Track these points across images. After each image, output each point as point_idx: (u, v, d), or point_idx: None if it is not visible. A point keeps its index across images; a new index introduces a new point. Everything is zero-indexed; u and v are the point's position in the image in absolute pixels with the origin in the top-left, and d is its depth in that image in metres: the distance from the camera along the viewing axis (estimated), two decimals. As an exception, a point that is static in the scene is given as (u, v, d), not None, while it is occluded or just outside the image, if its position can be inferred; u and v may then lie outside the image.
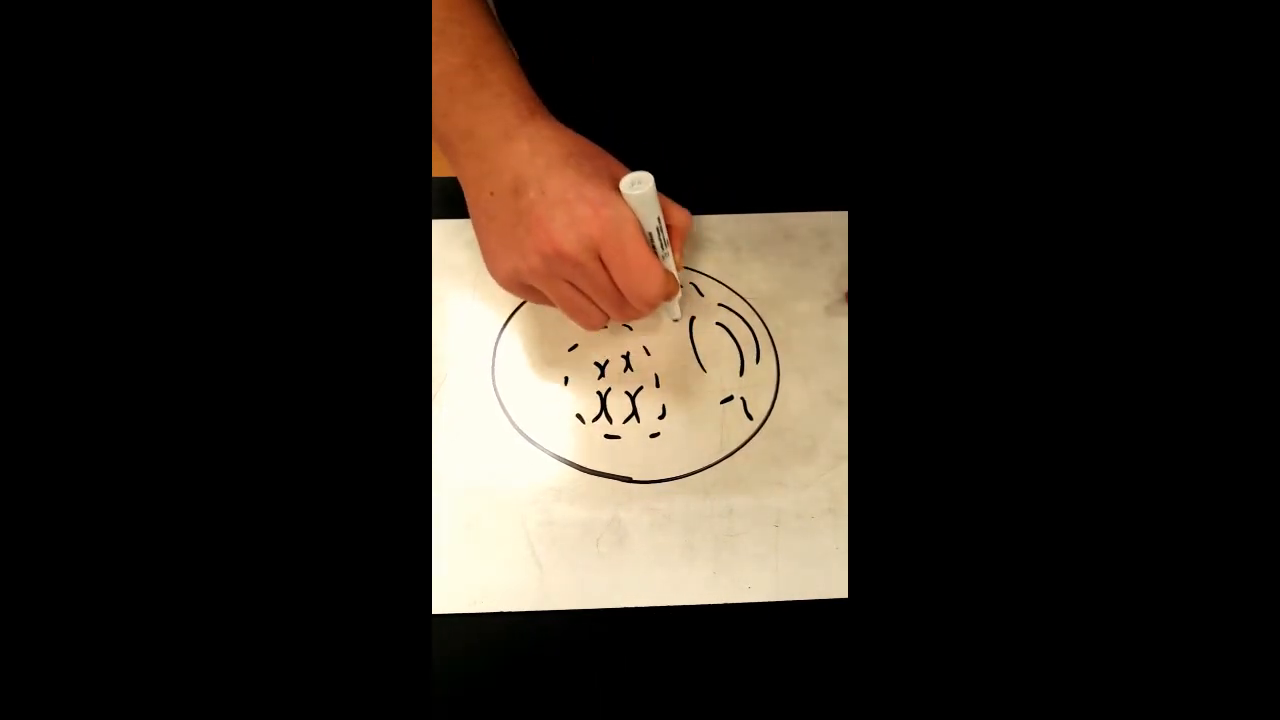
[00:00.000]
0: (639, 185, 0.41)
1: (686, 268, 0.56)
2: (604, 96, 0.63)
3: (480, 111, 0.42)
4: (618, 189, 0.41)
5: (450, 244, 0.57)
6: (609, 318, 0.45)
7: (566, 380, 0.51)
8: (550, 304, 0.45)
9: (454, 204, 0.60)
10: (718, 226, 0.59)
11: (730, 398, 0.51)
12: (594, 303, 0.43)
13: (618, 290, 0.42)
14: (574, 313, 0.44)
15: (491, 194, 0.42)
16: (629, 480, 0.47)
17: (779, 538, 0.44)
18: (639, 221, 0.41)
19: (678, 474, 0.47)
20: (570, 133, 0.43)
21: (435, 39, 0.41)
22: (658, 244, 0.44)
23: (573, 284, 0.42)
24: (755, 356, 0.53)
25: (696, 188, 0.54)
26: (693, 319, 0.54)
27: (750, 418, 0.50)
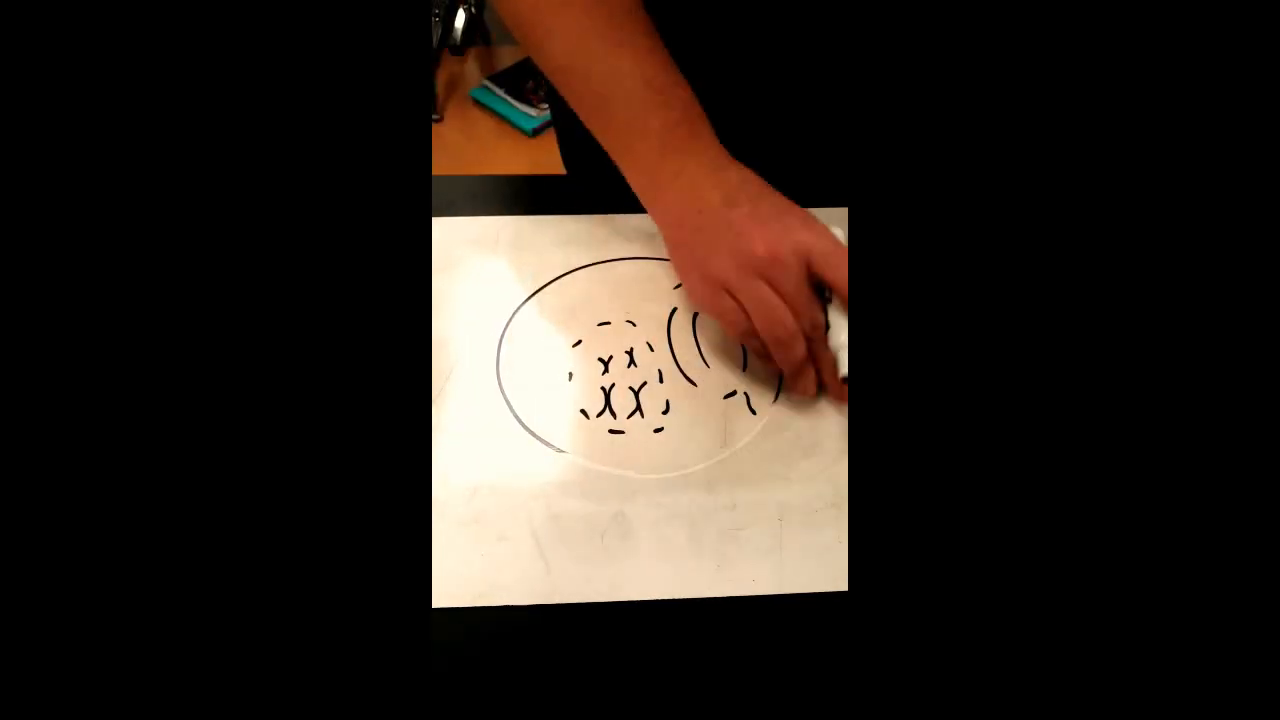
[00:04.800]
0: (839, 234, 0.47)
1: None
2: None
3: (691, 154, 0.48)
4: None
5: (455, 241, 0.58)
6: (794, 354, 0.46)
7: (571, 376, 0.51)
8: (738, 319, 0.47)
9: (459, 202, 0.60)
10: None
11: (734, 393, 0.51)
12: (786, 308, 0.45)
13: (814, 299, 0.46)
14: (765, 315, 0.45)
15: (699, 211, 0.47)
16: (633, 475, 0.47)
17: (783, 532, 0.45)
18: None
19: (682, 469, 0.47)
20: (763, 179, 0.49)
21: (657, 100, 0.48)
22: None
23: (773, 285, 0.45)
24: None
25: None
26: (695, 314, 0.54)
27: (754, 413, 0.50)
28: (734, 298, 0.46)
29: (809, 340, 0.46)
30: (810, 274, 0.45)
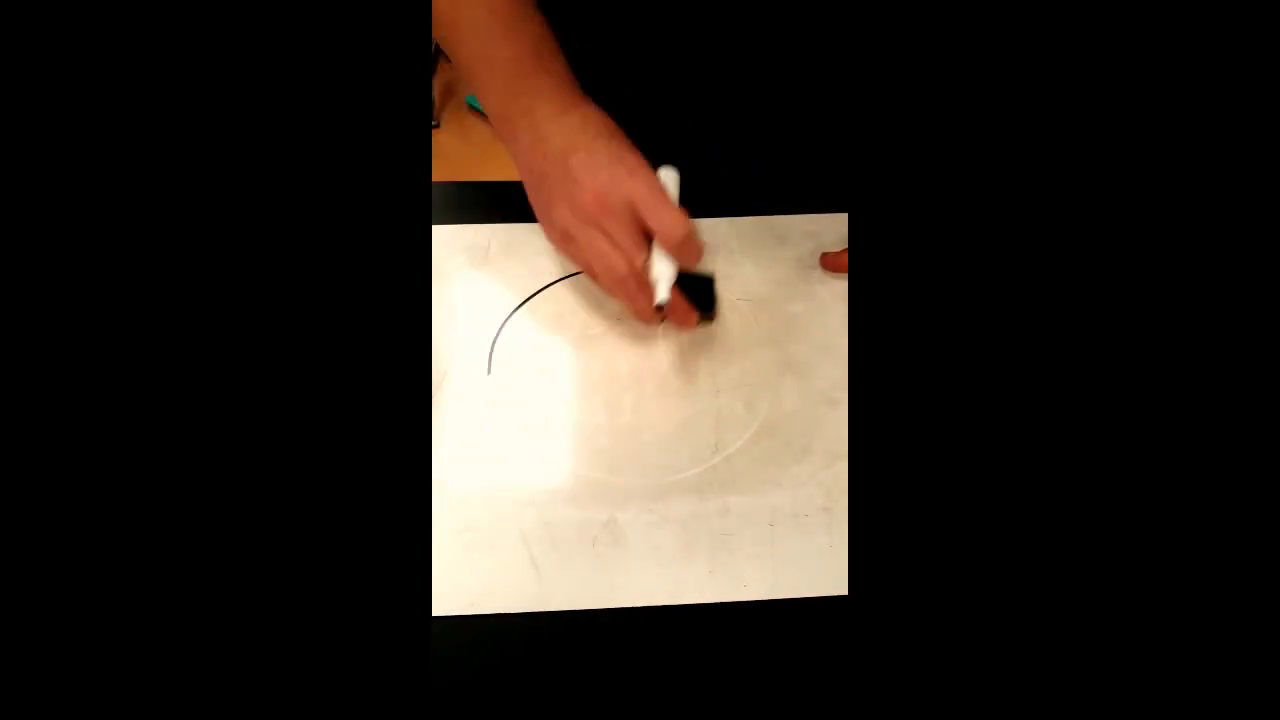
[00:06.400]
0: (668, 177, 0.51)
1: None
2: (596, 101, 0.64)
3: (540, 93, 0.51)
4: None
5: (449, 249, 0.58)
6: (629, 294, 0.50)
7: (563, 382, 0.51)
8: (582, 262, 0.51)
9: (453, 209, 0.60)
10: (710, 230, 0.59)
11: (725, 399, 0.51)
12: (620, 252, 0.48)
13: (641, 242, 0.48)
14: (600, 260, 0.49)
15: (545, 156, 0.50)
16: (625, 481, 0.47)
17: (774, 536, 0.45)
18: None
19: (674, 474, 0.47)
20: (609, 118, 0.52)
21: (504, 30, 0.50)
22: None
23: (605, 232, 0.48)
24: (750, 357, 0.53)
25: (690, 191, 0.54)
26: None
27: (745, 418, 0.50)
28: (576, 242, 0.50)
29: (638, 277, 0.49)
30: (638, 218, 0.48)
